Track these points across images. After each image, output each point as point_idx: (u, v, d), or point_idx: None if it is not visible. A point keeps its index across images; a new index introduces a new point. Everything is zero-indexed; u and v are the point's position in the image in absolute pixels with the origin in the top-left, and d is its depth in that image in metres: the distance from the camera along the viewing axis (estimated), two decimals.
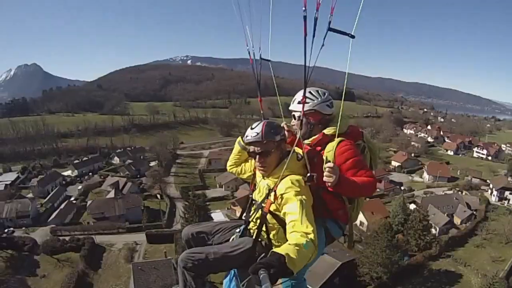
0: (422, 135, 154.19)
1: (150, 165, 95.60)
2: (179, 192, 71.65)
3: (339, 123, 2.97)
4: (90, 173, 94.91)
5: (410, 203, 64.24)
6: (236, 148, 3.58)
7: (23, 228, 59.32)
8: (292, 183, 2.73)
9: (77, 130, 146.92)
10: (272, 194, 2.80)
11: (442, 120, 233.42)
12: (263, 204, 2.92)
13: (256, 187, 3.20)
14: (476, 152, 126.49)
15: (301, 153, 2.97)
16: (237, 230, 3.15)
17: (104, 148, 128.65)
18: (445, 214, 60.75)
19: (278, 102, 3.86)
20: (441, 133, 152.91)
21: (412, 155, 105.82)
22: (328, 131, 3.17)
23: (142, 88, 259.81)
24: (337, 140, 3.01)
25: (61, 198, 74.20)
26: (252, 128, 2.98)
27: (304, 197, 2.63)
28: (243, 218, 3.28)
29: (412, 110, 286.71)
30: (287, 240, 2.38)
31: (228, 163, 3.71)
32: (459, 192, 75.83)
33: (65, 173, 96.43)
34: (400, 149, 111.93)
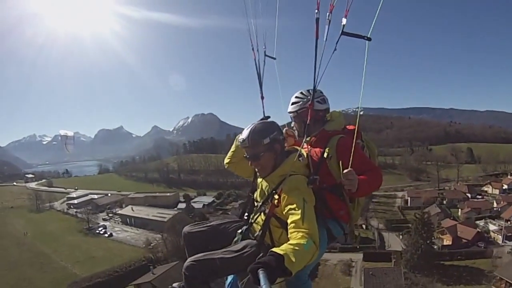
0: None
1: None
2: (383, 224, 76.90)
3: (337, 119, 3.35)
4: None
5: None
6: (234, 145, 3.48)
7: None
8: (294, 183, 2.74)
9: None
10: (276, 197, 2.77)
11: None
12: (265, 206, 2.94)
13: (258, 186, 3.20)
14: None
15: (303, 153, 3.05)
16: (239, 231, 3.14)
17: None
18: None
19: (281, 101, 3.60)
20: None
21: None
22: (327, 127, 3.30)
23: None
24: (337, 136, 3.14)
25: None
26: (241, 134, 3.00)
27: (306, 197, 2.64)
28: (244, 217, 3.30)
29: None
30: None
31: (225, 160, 3.65)
32: None
33: None
34: None
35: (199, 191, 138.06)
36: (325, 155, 3.03)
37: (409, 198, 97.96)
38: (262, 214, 2.99)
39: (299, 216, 2.48)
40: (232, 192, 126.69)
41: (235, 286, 3.20)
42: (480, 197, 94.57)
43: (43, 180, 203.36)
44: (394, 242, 64.97)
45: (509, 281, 40.31)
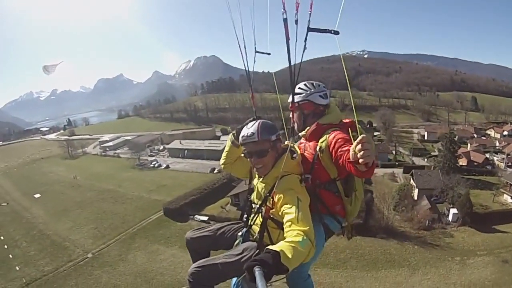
0: None
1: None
2: (408, 151, 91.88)
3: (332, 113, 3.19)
4: None
5: None
6: (228, 144, 3.52)
7: None
8: (288, 184, 2.81)
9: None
10: (270, 199, 2.84)
11: None
12: (262, 208, 2.99)
13: (254, 189, 3.23)
14: None
15: (297, 151, 3.13)
16: (239, 233, 3.25)
17: None
18: None
19: (278, 98, 3.76)
20: None
21: None
22: (322, 121, 3.21)
23: (336, 77, 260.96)
24: (330, 130, 3.05)
25: None
26: (247, 128, 3.00)
27: (300, 196, 2.69)
28: (244, 219, 3.37)
29: None
30: None
31: (221, 160, 3.65)
32: None
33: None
34: None
35: (232, 126, 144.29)
36: (317, 148, 3.03)
37: (426, 133, 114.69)
38: (260, 216, 3.07)
39: (294, 215, 2.52)
40: None
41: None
42: (484, 138, 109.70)
43: (61, 131, 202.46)
44: (421, 163, 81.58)
45: None
